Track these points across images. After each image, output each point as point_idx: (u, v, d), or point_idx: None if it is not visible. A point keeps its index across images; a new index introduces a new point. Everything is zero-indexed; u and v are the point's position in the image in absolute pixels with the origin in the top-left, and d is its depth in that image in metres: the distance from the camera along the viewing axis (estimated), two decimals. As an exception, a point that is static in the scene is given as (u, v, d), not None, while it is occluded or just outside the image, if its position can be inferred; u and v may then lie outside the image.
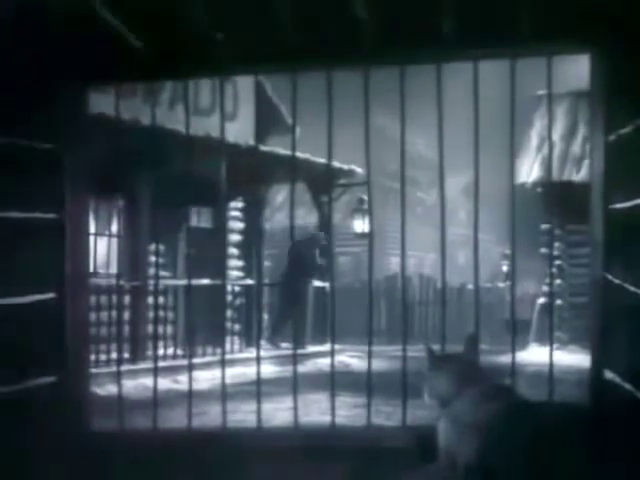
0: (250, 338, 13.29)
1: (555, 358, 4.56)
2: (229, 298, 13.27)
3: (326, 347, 12.93)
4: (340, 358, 12.58)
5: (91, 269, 9.50)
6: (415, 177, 28.58)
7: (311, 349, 13.44)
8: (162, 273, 12.24)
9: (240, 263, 14.71)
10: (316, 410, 7.00)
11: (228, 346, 11.77)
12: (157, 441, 4.67)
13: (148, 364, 9.81)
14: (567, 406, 4.03)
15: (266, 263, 17.82)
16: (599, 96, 4.24)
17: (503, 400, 3.60)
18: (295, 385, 4.71)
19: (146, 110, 6.03)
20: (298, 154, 10.57)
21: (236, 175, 12.01)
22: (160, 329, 10.93)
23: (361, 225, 19.08)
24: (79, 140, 4.65)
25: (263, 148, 13.16)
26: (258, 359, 5.02)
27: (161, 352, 10.66)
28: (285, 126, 15.18)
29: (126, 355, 10.65)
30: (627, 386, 3.89)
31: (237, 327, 13.76)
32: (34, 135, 4.33)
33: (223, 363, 4.94)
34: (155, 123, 5.63)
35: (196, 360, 8.47)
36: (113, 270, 12.43)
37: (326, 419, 4.81)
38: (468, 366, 3.78)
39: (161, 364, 8.33)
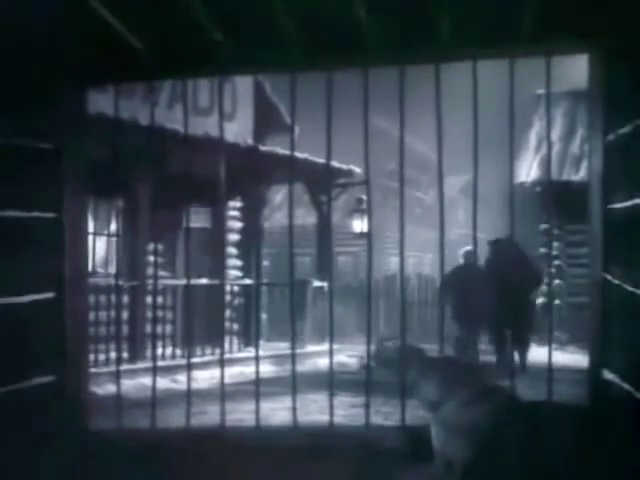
0: (249, 338, 13.28)
1: (554, 358, 4.57)
2: (228, 298, 13.27)
3: (325, 347, 12.93)
4: (339, 358, 12.58)
5: (90, 269, 9.51)
6: (414, 177, 28.57)
7: (310, 349, 13.43)
8: (161, 273, 12.24)
9: (239, 263, 14.71)
10: (315, 410, 7.00)
11: (227, 346, 11.77)
12: (156, 441, 4.67)
13: (147, 364, 9.81)
14: (561, 405, 4.03)
15: (265, 263, 17.81)
16: (598, 96, 4.24)
17: (495, 401, 3.62)
18: (294, 385, 4.72)
19: (145, 110, 6.03)
20: (297, 154, 10.59)
21: (235, 175, 12.01)
22: (159, 329, 10.94)
23: (360, 225, 19.08)
24: (79, 140, 4.66)
25: (262, 148, 13.18)
26: (257, 359, 5.02)
27: (160, 352, 10.67)
28: (284, 126, 15.19)
29: (125, 355, 10.65)
30: (626, 386, 3.89)
31: (235, 327, 13.76)
32: (34, 135, 4.33)
33: (222, 363, 4.94)
34: (154, 123, 5.63)
35: (195, 360, 8.48)
36: (112, 270, 12.43)
37: (325, 419, 4.81)
38: (457, 368, 3.79)
39: (160, 364, 8.35)
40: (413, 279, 21.01)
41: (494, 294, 10.63)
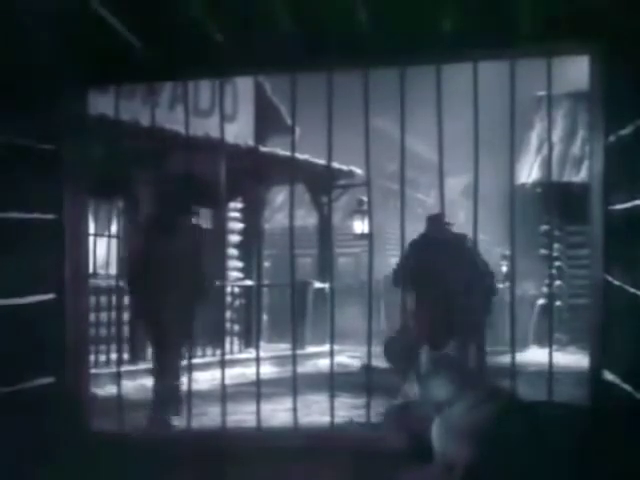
0: (249, 339, 13.28)
1: (554, 359, 4.57)
2: (228, 299, 13.25)
3: (325, 348, 12.93)
4: (339, 359, 12.58)
5: (91, 270, 9.48)
6: (415, 178, 28.58)
7: (310, 350, 13.43)
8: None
9: (240, 264, 14.71)
10: (316, 411, 7.00)
11: (227, 347, 11.76)
12: (157, 441, 4.67)
13: (148, 365, 9.81)
14: (563, 406, 4.02)
15: (265, 264, 17.82)
16: (598, 97, 4.24)
17: (497, 402, 3.61)
18: (295, 386, 4.71)
19: (146, 111, 6.03)
20: (298, 155, 10.59)
21: (236, 176, 12.02)
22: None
23: (361, 226, 19.11)
24: (79, 140, 4.65)
25: (263, 149, 13.16)
26: (258, 360, 5.02)
27: (161, 353, 10.64)
28: (285, 127, 15.19)
29: (126, 356, 10.64)
30: (626, 387, 3.89)
31: (236, 328, 13.75)
32: (34, 135, 4.33)
33: (223, 364, 4.94)
34: (155, 124, 5.63)
35: (195, 361, 8.47)
36: (113, 271, 12.41)
37: (325, 420, 4.81)
38: (461, 370, 3.78)
39: (161, 365, 8.31)
40: (414, 280, 20.96)
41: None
